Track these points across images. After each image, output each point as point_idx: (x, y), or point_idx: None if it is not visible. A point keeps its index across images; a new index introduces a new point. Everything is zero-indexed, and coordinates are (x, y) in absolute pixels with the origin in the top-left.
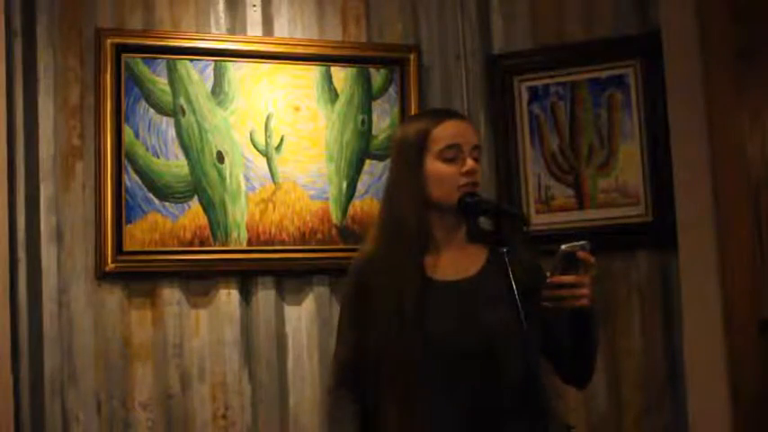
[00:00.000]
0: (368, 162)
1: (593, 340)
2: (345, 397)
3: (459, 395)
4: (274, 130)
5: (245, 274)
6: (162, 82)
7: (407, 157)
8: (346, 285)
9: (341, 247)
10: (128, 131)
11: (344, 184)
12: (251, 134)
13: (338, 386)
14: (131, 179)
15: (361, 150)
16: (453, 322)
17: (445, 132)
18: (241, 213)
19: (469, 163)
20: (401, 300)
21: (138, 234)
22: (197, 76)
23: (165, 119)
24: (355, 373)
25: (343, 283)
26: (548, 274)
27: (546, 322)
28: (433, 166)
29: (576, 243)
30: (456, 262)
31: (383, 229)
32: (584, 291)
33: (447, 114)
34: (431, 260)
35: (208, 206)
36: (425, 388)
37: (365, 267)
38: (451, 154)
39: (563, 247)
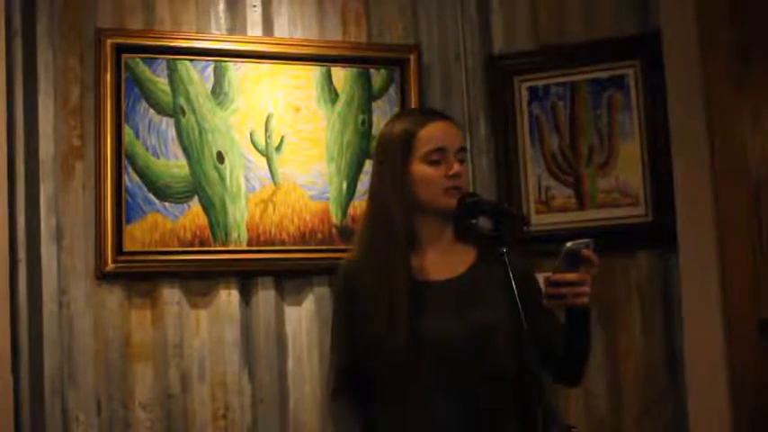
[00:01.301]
0: (368, 162)
1: (588, 339)
2: (347, 405)
3: (453, 394)
4: (274, 131)
5: (245, 275)
6: (162, 82)
7: (392, 158)
8: (335, 290)
9: (341, 247)
10: (128, 131)
11: (345, 185)
12: (251, 134)
13: (338, 394)
14: (131, 179)
15: (361, 151)
16: (443, 321)
17: (431, 135)
18: (241, 213)
19: (456, 166)
20: (390, 301)
21: (138, 234)
22: (197, 76)
23: (165, 119)
24: (353, 378)
25: (332, 288)
26: (539, 277)
27: (537, 326)
28: (419, 168)
29: (580, 241)
30: (443, 262)
31: (369, 230)
32: (585, 289)
33: (432, 116)
34: (418, 261)
35: (208, 206)
36: (420, 388)
37: (352, 271)
38: (437, 156)
39: (568, 244)
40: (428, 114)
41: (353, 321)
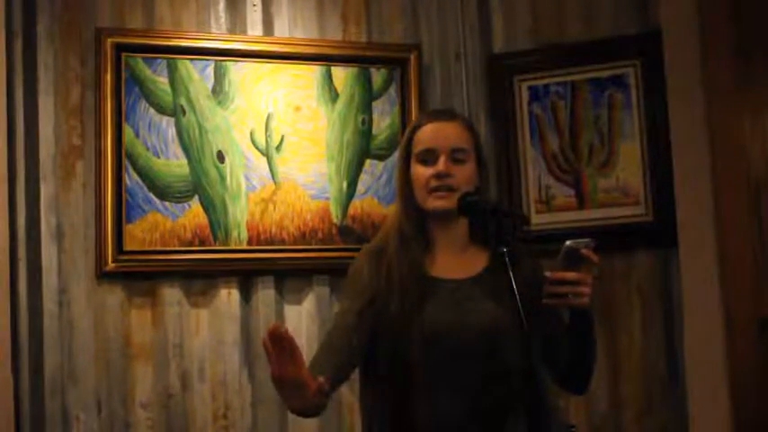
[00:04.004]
0: (368, 162)
1: (592, 343)
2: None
3: (459, 391)
4: (275, 130)
5: (245, 274)
6: (162, 81)
7: (401, 157)
8: (350, 274)
9: (341, 246)
10: (128, 131)
11: (345, 184)
12: (251, 134)
13: (329, 346)
14: (132, 179)
15: (361, 150)
16: (452, 319)
17: (423, 136)
18: (241, 213)
19: (439, 165)
20: (401, 297)
21: (139, 234)
22: (197, 75)
23: (165, 118)
24: (331, 357)
25: (348, 273)
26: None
27: (545, 327)
28: (413, 167)
29: (580, 240)
30: (457, 262)
31: (388, 225)
32: (585, 289)
33: (434, 116)
34: (432, 259)
35: (208, 206)
36: (426, 384)
37: (370, 260)
38: (426, 157)
39: (567, 242)
40: (431, 114)
41: (360, 311)
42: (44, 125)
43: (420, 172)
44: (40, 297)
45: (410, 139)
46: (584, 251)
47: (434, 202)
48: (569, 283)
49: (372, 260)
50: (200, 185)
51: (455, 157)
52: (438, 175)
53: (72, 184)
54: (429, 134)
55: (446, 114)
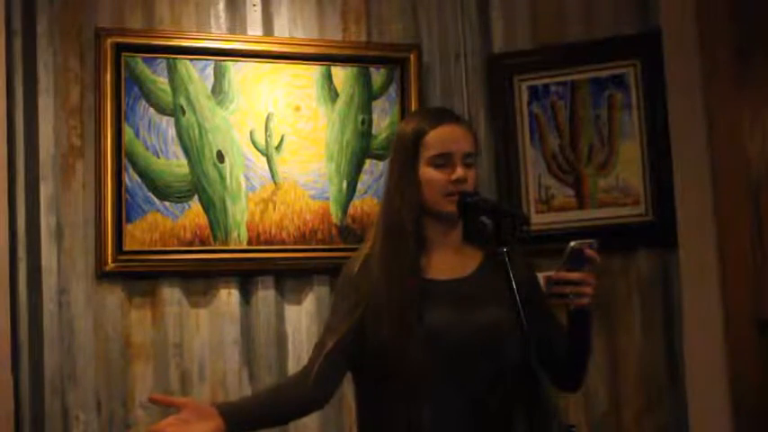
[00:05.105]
0: (368, 162)
1: (588, 344)
2: (304, 382)
3: (460, 391)
4: (274, 130)
5: (245, 274)
6: (162, 81)
7: (403, 158)
8: (342, 280)
9: (341, 246)
10: (128, 131)
11: (345, 184)
12: (251, 134)
13: (307, 372)
14: (131, 179)
15: (361, 150)
16: (449, 319)
17: (437, 139)
18: (241, 213)
19: (458, 171)
20: (400, 300)
21: (138, 234)
22: (197, 75)
23: (165, 118)
24: (324, 364)
25: (338, 282)
26: (539, 277)
27: (540, 326)
28: (425, 170)
29: (584, 240)
30: (452, 262)
31: (381, 227)
32: (588, 289)
33: (444, 118)
34: (427, 260)
35: (208, 206)
36: (426, 386)
37: (362, 266)
38: (441, 161)
39: (572, 243)
40: (440, 116)
41: (355, 313)
42: (44, 125)
43: (435, 176)
44: (40, 297)
45: (417, 143)
46: (588, 252)
47: (449, 206)
48: (572, 283)
49: (363, 269)
50: (200, 185)
51: (466, 161)
52: (456, 181)
53: (72, 184)
54: (441, 138)
55: (450, 116)
